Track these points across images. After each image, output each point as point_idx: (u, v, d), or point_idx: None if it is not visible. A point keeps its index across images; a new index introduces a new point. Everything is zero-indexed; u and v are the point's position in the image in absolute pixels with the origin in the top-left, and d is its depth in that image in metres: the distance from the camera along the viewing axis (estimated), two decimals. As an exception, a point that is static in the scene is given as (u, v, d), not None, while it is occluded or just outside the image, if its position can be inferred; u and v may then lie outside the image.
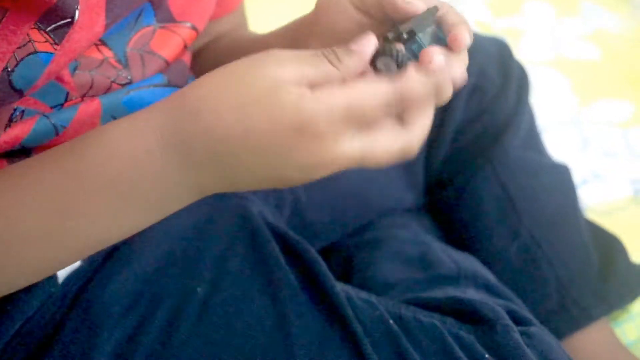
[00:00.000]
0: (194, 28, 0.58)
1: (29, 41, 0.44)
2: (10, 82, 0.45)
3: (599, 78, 1.23)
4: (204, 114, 0.41)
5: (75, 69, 0.51)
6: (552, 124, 1.11)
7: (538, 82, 1.16)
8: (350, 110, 0.40)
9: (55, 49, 0.46)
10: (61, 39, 0.45)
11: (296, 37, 0.56)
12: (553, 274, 0.69)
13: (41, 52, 0.45)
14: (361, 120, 0.40)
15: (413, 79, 0.41)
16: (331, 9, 0.51)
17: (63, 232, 0.44)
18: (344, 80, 0.42)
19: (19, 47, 0.44)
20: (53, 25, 0.45)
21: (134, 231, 0.46)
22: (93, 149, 0.44)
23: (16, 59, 0.45)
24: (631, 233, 0.85)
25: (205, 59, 0.69)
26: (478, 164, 0.73)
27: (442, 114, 0.73)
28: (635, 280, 0.75)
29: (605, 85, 1.21)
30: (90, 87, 0.52)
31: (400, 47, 0.45)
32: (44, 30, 0.45)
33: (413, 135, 0.42)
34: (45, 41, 0.45)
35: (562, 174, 0.77)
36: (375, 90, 0.40)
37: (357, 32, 0.47)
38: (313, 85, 0.41)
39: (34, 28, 0.44)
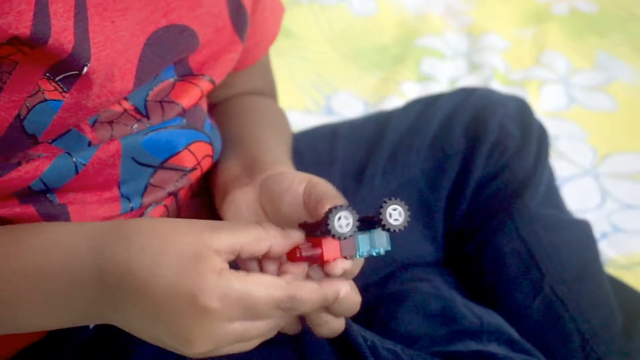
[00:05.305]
0: (211, 81, 0.60)
1: (39, 90, 0.48)
2: (22, 128, 0.49)
3: (616, 130, 1.23)
4: (132, 244, 0.44)
5: (95, 122, 0.53)
6: (570, 176, 1.12)
7: (554, 133, 1.17)
8: (246, 300, 0.43)
9: (64, 97, 0.49)
10: (69, 87, 0.48)
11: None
12: (576, 330, 0.69)
13: (51, 100, 0.49)
14: (252, 313, 0.43)
15: (308, 288, 0.44)
16: (283, 188, 0.53)
17: None
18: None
19: (30, 96, 0.48)
20: (62, 75, 0.48)
21: (56, 327, 0.49)
22: (32, 236, 0.47)
23: (27, 106, 0.48)
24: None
25: (222, 112, 0.70)
26: (499, 220, 0.74)
27: (463, 169, 0.75)
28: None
29: (623, 137, 1.22)
30: (111, 136, 0.54)
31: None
32: (53, 80, 0.48)
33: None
34: (54, 90, 0.48)
35: (583, 229, 0.77)
36: (271, 290, 0.43)
37: (294, 219, 0.50)
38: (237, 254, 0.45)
39: (44, 78, 0.47)
